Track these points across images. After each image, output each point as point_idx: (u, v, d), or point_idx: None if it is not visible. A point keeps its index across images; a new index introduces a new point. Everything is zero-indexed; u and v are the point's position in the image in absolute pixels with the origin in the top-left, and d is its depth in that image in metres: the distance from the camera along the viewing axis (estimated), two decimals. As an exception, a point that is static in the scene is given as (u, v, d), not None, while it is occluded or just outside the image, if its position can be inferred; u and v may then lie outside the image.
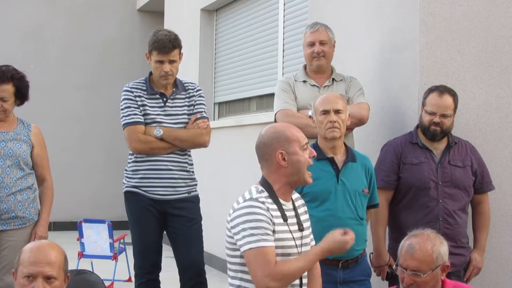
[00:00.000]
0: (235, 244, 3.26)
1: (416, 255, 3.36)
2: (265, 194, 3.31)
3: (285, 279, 3.21)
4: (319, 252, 3.30)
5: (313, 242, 3.52)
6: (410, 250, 3.39)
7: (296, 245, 3.34)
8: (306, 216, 3.51)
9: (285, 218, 3.32)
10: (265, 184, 3.36)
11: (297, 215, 3.42)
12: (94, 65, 12.48)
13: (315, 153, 3.44)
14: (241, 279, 3.30)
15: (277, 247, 3.24)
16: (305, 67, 5.11)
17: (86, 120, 12.40)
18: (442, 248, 3.41)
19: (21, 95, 4.95)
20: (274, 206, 3.30)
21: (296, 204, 3.48)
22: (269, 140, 3.35)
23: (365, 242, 4.25)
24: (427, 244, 3.38)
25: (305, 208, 3.54)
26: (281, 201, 3.35)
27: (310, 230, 3.52)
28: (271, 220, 3.23)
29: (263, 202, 3.25)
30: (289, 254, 3.29)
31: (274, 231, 3.24)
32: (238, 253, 3.26)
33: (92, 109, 12.40)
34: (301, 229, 3.40)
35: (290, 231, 3.32)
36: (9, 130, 4.92)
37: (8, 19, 12.08)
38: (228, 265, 3.39)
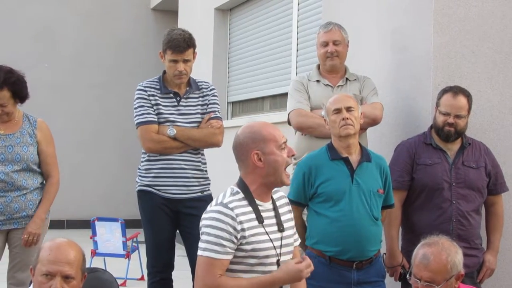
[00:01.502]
0: None
1: (431, 266, 3.27)
2: (240, 195, 3.25)
3: None
4: (269, 279, 3.22)
5: (298, 242, 3.48)
6: (424, 261, 3.29)
7: (274, 246, 3.27)
8: (289, 216, 3.43)
9: (260, 220, 3.25)
10: (242, 185, 3.29)
11: (277, 215, 3.34)
12: (108, 64, 12.52)
13: (294, 152, 3.36)
14: None
15: (250, 250, 3.20)
16: (318, 66, 5.10)
17: (100, 119, 12.44)
18: (457, 257, 3.31)
19: (19, 97, 4.88)
20: (248, 209, 3.23)
21: (278, 203, 3.39)
22: (244, 140, 3.28)
23: (380, 242, 4.23)
24: (442, 255, 3.28)
25: (288, 208, 3.45)
26: (258, 202, 3.28)
27: (294, 230, 3.46)
28: (234, 229, 3.16)
29: (232, 208, 3.19)
30: (266, 256, 3.24)
31: (242, 238, 3.18)
32: None
33: (105, 108, 12.44)
34: (281, 229, 3.33)
35: (267, 233, 3.25)
36: (15, 131, 4.89)
37: (20, 18, 12.12)
38: None
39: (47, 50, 12.21)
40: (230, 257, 3.18)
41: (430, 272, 3.27)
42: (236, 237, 3.17)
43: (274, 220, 3.32)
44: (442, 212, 4.52)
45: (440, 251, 3.30)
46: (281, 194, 3.47)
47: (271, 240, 3.26)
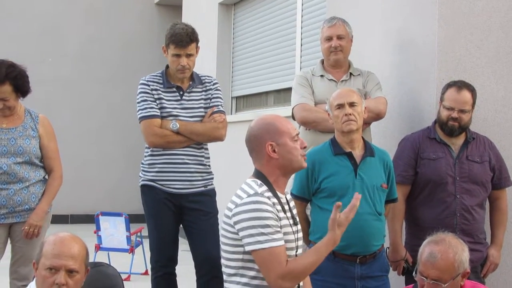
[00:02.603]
0: (239, 240, 3.18)
1: (438, 264, 3.24)
2: (265, 187, 3.25)
3: (298, 277, 3.18)
4: (328, 240, 3.20)
5: None
6: (431, 259, 3.26)
7: (295, 238, 3.29)
8: (295, 211, 3.46)
9: (284, 210, 3.27)
10: (261, 177, 3.29)
11: (290, 209, 3.36)
12: (112, 59, 12.53)
13: (305, 144, 3.39)
14: (242, 275, 3.22)
15: (285, 241, 3.19)
16: (322, 61, 5.09)
17: (104, 114, 12.45)
18: (463, 255, 3.29)
19: (21, 91, 4.88)
20: (276, 200, 3.24)
21: (287, 197, 3.42)
22: (258, 132, 3.30)
23: (383, 237, 4.23)
24: (449, 253, 3.25)
25: (292, 203, 3.48)
26: (278, 194, 3.30)
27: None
28: (277, 216, 3.18)
29: (268, 197, 3.19)
30: (292, 248, 3.25)
31: (280, 227, 3.20)
32: (241, 249, 3.19)
33: (110, 103, 12.45)
34: (295, 222, 3.35)
35: (290, 225, 3.27)
36: (17, 125, 4.91)
37: (26, 14, 12.13)
38: (226, 262, 3.28)
39: (53, 46, 12.21)
40: (283, 242, 3.17)
41: (438, 270, 3.25)
42: (280, 224, 3.18)
43: (289, 213, 3.34)
44: (446, 207, 4.51)
45: (447, 249, 3.27)
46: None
47: (293, 232, 3.28)
